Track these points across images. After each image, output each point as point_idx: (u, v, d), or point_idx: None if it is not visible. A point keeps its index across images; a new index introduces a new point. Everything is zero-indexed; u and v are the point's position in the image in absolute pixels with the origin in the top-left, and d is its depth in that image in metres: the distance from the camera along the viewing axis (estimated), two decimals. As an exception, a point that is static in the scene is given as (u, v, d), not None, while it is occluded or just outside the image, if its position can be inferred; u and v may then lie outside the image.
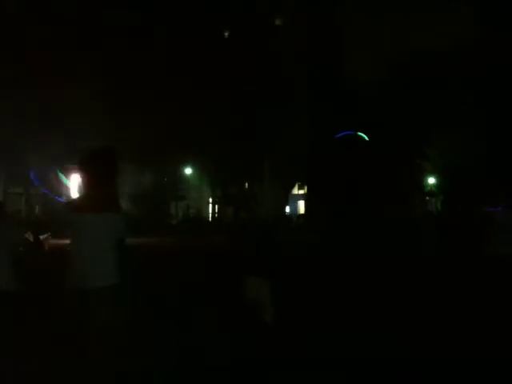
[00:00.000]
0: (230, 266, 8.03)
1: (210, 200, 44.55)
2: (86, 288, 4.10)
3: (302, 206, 45.45)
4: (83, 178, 4.18)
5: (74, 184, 31.95)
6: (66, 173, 31.68)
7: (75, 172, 30.61)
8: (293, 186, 39.06)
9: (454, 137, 22.62)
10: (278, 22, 27.99)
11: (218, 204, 42.35)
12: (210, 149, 28.60)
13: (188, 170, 40.88)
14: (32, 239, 5.58)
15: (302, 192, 44.49)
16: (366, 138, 19.30)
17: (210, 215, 44.36)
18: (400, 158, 21.80)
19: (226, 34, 29.08)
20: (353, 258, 13.20)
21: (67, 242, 4.28)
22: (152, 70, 24.50)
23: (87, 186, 4.19)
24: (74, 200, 4.36)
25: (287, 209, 41.20)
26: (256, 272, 6.56)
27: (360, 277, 10.91)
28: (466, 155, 22.46)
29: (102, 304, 4.07)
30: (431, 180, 36.11)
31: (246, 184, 38.33)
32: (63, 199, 29.99)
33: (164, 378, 5.20)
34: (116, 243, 4.23)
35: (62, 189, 32.88)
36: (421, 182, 32.75)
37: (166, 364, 5.56)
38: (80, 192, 4.15)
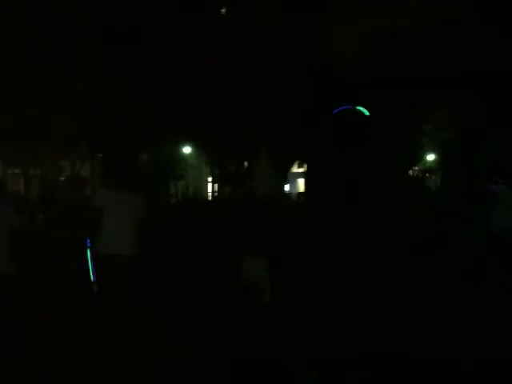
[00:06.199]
0: (227, 245, 7.97)
1: (210, 179, 44.48)
2: (109, 254, 5.00)
3: (301, 185, 45.34)
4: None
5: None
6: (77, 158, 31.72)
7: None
8: (291, 165, 38.87)
9: (452, 111, 22.45)
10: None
11: (217, 183, 42.32)
12: (209, 127, 28.42)
13: (187, 149, 40.75)
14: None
15: (301, 170, 44.33)
16: (367, 113, 18.68)
17: (210, 194, 44.31)
18: (397, 136, 21.60)
19: (223, 10, 28.76)
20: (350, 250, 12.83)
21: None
22: (149, 48, 24.13)
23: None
24: (107, 179, 5.40)
25: (287, 187, 41.11)
26: (253, 251, 6.53)
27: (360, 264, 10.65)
28: (464, 129, 22.32)
29: (121, 270, 4.82)
30: (430, 156, 36.05)
31: (245, 163, 38.20)
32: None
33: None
34: (135, 219, 5.22)
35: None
36: (419, 159, 32.62)
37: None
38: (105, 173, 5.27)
